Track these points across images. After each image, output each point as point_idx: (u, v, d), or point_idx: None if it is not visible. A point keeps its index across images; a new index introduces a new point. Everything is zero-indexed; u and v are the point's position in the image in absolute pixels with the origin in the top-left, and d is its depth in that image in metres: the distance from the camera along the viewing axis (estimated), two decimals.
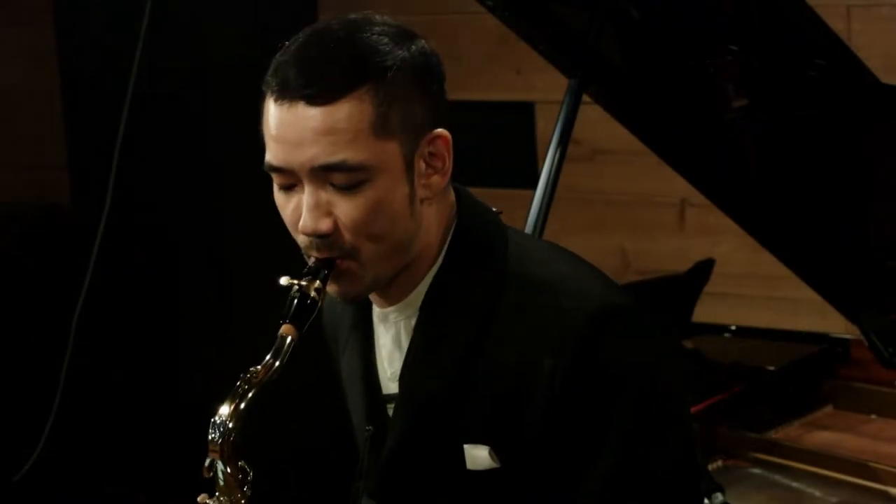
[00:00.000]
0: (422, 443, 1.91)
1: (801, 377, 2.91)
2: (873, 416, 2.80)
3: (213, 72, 4.43)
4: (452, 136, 1.87)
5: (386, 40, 1.83)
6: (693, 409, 2.63)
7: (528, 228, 2.65)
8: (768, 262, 2.96)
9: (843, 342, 2.95)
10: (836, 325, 3.02)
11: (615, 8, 2.63)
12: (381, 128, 1.80)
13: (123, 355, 4.67)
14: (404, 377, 1.91)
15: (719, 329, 3.17)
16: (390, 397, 1.96)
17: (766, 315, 3.93)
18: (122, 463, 4.67)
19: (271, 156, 1.84)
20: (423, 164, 1.85)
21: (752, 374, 2.90)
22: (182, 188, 4.49)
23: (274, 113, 1.82)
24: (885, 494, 2.49)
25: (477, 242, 1.91)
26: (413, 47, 1.85)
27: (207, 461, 1.84)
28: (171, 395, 4.59)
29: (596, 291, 1.85)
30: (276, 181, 1.87)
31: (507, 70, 4.20)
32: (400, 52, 1.83)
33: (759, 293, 4.00)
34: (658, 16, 2.62)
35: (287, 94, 1.80)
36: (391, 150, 1.81)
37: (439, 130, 1.86)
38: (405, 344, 1.93)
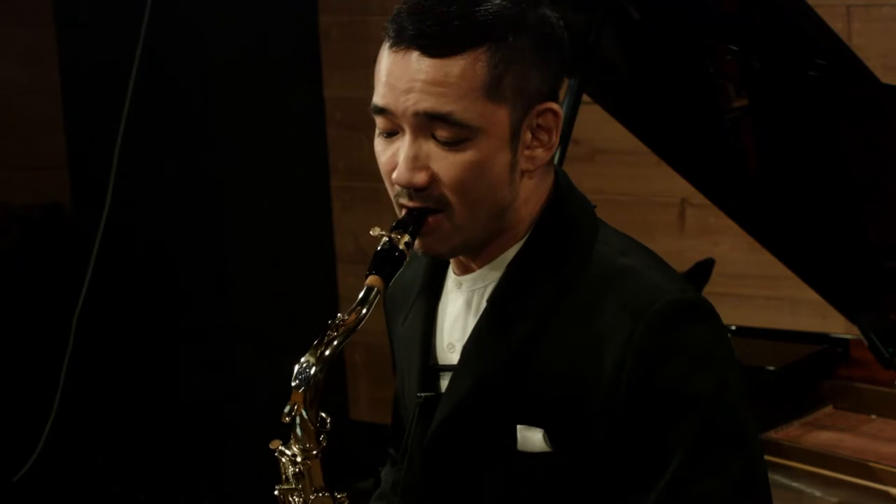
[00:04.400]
0: (474, 417, 1.87)
1: (801, 377, 2.91)
2: (873, 416, 2.79)
3: (213, 72, 4.44)
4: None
5: (510, 3, 1.80)
6: None
7: None
8: (768, 262, 2.96)
9: (843, 342, 2.94)
10: (836, 325, 3.02)
11: (615, 8, 2.63)
12: (493, 90, 1.77)
13: (123, 355, 4.68)
14: (468, 346, 1.87)
15: None
16: (445, 367, 1.92)
17: (766, 315, 3.93)
18: (122, 463, 4.67)
19: (378, 97, 1.81)
20: (529, 135, 1.82)
21: (752, 374, 2.90)
22: (182, 188, 4.50)
23: (387, 58, 1.80)
24: (885, 494, 2.49)
25: (567, 225, 1.88)
26: (538, 14, 1.82)
27: (288, 407, 1.79)
28: (171, 395, 4.59)
29: (671, 286, 1.82)
30: (379, 125, 1.83)
31: None
32: (524, 17, 1.80)
33: (759, 293, 4.00)
34: (658, 16, 2.62)
35: (402, 41, 1.78)
36: (499, 115, 1.79)
37: (551, 104, 1.83)
38: (473, 314, 1.89)
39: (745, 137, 2.77)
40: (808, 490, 2.54)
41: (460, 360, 1.89)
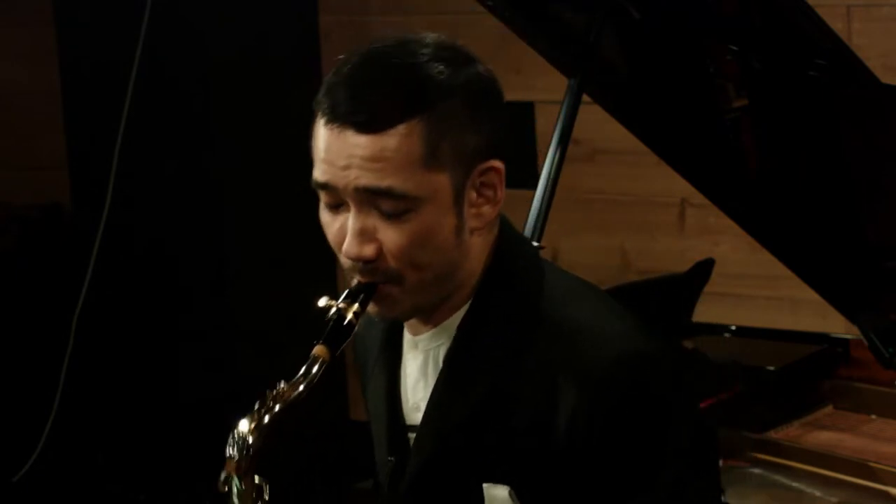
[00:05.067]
0: (441, 477, 1.88)
1: (801, 377, 2.91)
2: (873, 416, 2.79)
3: (213, 72, 4.44)
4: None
5: (441, 67, 1.79)
6: None
7: (528, 228, 2.65)
8: (768, 262, 2.96)
9: (843, 342, 2.94)
10: (836, 325, 3.02)
11: (615, 8, 2.63)
12: (431, 159, 1.77)
13: (123, 355, 4.68)
14: (428, 408, 1.89)
15: (719, 329, 3.17)
16: (412, 427, 1.93)
17: (766, 315, 3.93)
18: (122, 463, 4.67)
19: (319, 172, 1.82)
20: (473, 194, 1.83)
21: (752, 374, 2.90)
22: (182, 188, 4.50)
23: (323, 135, 1.80)
24: (886, 494, 2.49)
25: (513, 276, 1.88)
26: (469, 73, 1.82)
27: (223, 475, 1.80)
28: (171, 395, 4.59)
29: (622, 336, 1.82)
30: (323, 199, 1.84)
31: (507, 70, 4.20)
32: (455, 79, 1.80)
33: (759, 293, 4.00)
34: (658, 16, 2.62)
35: (337, 118, 1.78)
36: (440, 182, 1.79)
37: (492, 161, 1.83)
38: (431, 373, 1.90)
39: (745, 137, 2.77)
40: (808, 490, 2.54)
41: (422, 422, 1.91)
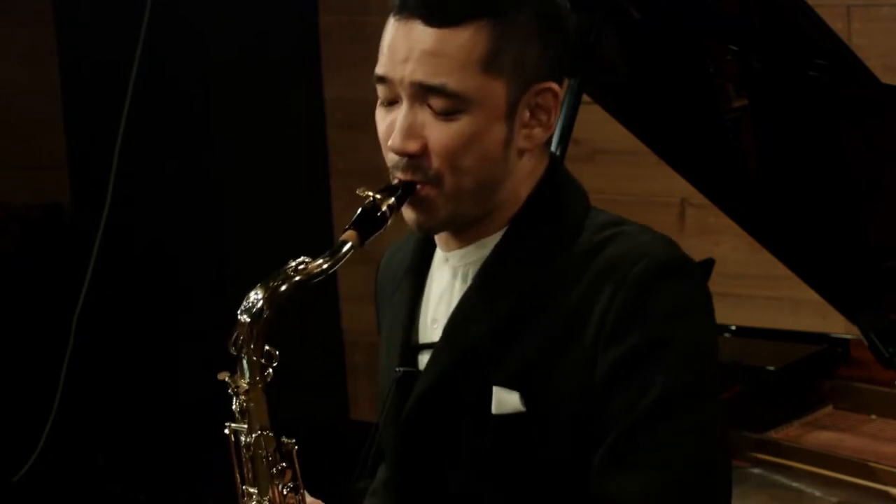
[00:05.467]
0: (452, 387, 1.87)
1: (801, 377, 2.91)
2: (873, 416, 2.79)
3: (213, 72, 4.44)
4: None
5: None
6: None
7: None
8: (768, 262, 2.96)
9: (843, 342, 2.94)
10: (836, 325, 3.02)
11: (615, 8, 2.63)
12: (490, 63, 1.78)
13: (123, 355, 4.68)
14: (453, 319, 1.88)
15: (719, 329, 3.16)
16: (425, 345, 1.92)
17: (766, 315, 3.93)
18: (122, 463, 4.67)
19: (380, 66, 1.83)
20: (527, 114, 1.83)
21: (752, 374, 2.90)
22: (182, 188, 4.50)
23: (391, 27, 1.82)
24: (885, 494, 2.49)
25: (559, 205, 1.88)
26: None
27: (234, 336, 1.82)
28: (171, 395, 4.59)
29: (658, 246, 1.85)
30: (380, 94, 1.84)
31: None
32: None
33: (759, 293, 4.00)
34: (658, 16, 2.62)
35: (405, 10, 1.80)
36: (495, 89, 1.79)
37: (550, 83, 1.83)
38: (458, 290, 1.90)
39: (745, 137, 2.77)
40: (808, 490, 2.54)
41: (443, 336, 1.89)
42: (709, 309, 1.88)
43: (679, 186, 3.03)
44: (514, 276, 1.85)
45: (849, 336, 2.92)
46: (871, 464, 2.53)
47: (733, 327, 3.15)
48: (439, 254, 1.94)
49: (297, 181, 4.58)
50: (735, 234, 3.06)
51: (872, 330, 2.73)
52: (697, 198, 3.09)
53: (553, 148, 2.70)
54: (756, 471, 2.62)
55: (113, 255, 4.58)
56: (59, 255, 4.87)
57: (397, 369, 1.93)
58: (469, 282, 1.88)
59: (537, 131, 1.85)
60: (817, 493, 2.52)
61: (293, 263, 1.80)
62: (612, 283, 1.80)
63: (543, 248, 1.86)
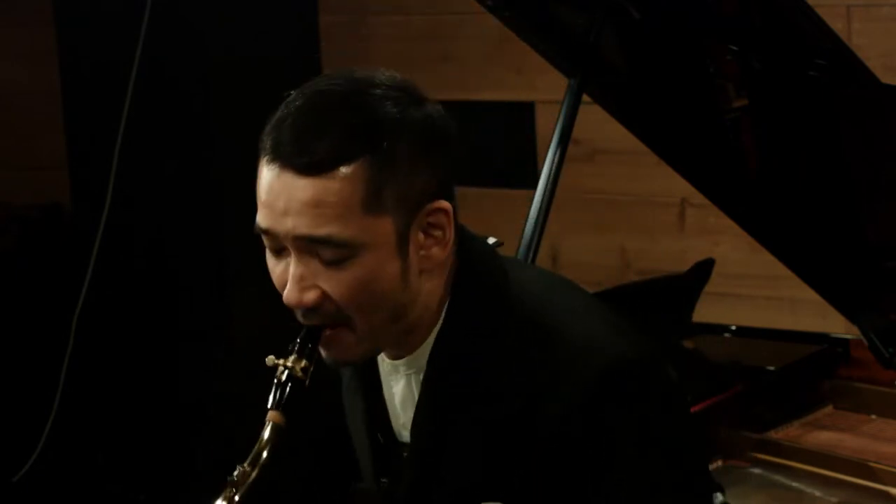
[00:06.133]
0: (436, 499, 1.87)
1: (801, 377, 2.91)
2: (873, 416, 2.79)
3: (214, 72, 4.44)
4: (454, 137, 1.81)
5: (389, 106, 1.75)
6: (693, 409, 2.62)
7: (528, 228, 2.65)
8: (768, 262, 2.96)
9: (843, 342, 2.94)
10: (836, 325, 3.02)
11: (615, 8, 2.63)
12: (372, 204, 1.73)
13: (123, 355, 4.67)
14: (414, 432, 1.87)
15: (719, 329, 3.17)
16: (406, 445, 1.91)
17: (766, 315, 3.93)
18: (122, 463, 4.67)
19: (260, 217, 1.79)
20: (421, 236, 1.78)
21: (752, 374, 2.90)
22: (182, 188, 4.50)
23: (265, 176, 1.77)
24: (886, 494, 2.49)
25: (479, 293, 1.84)
26: (418, 113, 1.77)
27: None
28: (171, 395, 4.59)
29: (601, 343, 1.79)
30: (266, 243, 1.81)
31: (507, 70, 4.20)
32: (401, 120, 1.75)
33: (759, 293, 4.00)
34: (658, 16, 2.62)
35: (278, 159, 1.75)
36: (382, 227, 1.75)
37: (439, 203, 1.78)
38: (417, 393, 1.88)
39: (745, 137, 2.77)
40: (808, 490, 2.54)
41: (410, 446, 1.89)
42: (668, 404, 1.82)
43: (679, 186, 3.03)
44: (456, 388, 1.82)
45: (849, 336, 2.92)
46: (871, 464, 2.53)
47: (733, 327, 3.16)
48: (386, 361, 1.91)
49: None
50: (735, 234, 3.06)
51: (872, 330, 2.73)
52: (697, 198, 3.09)
53: (553, 148, 2.72)
54: (756, 471, 2.62)
55: (113, 255, 4.58)
56: (59, 255, 4.87)
57: (382, 480, 1.94)
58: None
59: (435, 250, 1.80)
60: (817, 493, 2.52)
61: (231, 478, 1.75)
62: (561, 396, 1.75)
63: (475, 350, 1.81)
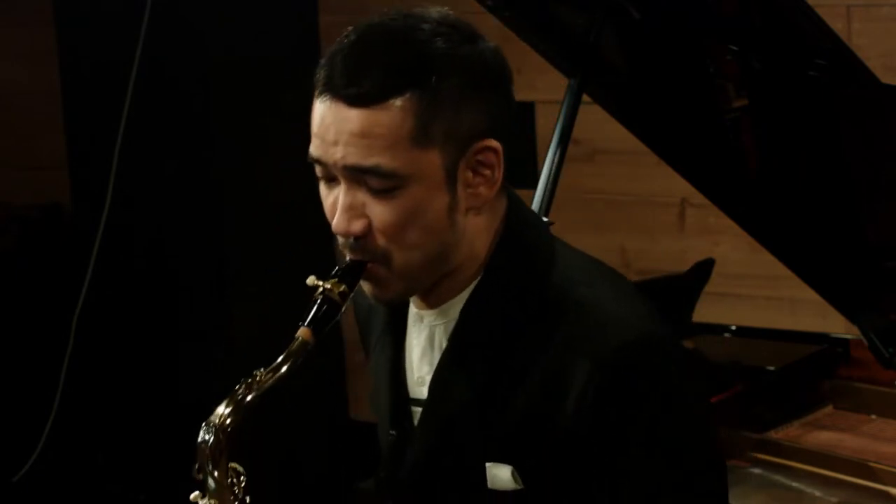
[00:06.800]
0: (445, 455, 1.87)
1: (801, 377, 2.91)
2: (873, 416, 2.79)
3: (213, 72, 4.44)
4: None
5: (439, 42, 1.77)
6: None
7: None
8: (768, 262, 2.96)
9: (843, 342, 2.94)
10: (836, 325, 3.02)
11: (615, 8, 2.63)
12: (420, 137, 1.75)
13: (123, 355, 4.68)
14: (434, 384, 1.87)
15: (719, 329, 3.17)
16: (416, 401, 1.92)
17: (766, 315, 3.93)
18: (122, 463, 4.67)
19: (312, 147, 1.81)
20: (469, 174, 1.80)
21: (752, 374, 2.90)
22: (182, 188, 4.50)
23: (317, 107, 1.80)
24: (886, 494, 2.49)
25: (522, 256, 1.86)
26: (469, 50, 1.79)
27: (196, 464, 1.79)
28: (171, 395, 4.59)
29: (634, 319, 1.80)
30: (317, 173, 1.83)
31: None
32: (451, 57, 1.77)
33: (759, 293, 4.00)
34: (658, 16, 2.62)
35: (329, 91, 1.78)
36: (430, 160, 1.77)
37: (489, 140, 1.80)
38: (437, 348, 1.89)
39: (745, 137, 2.77)
40: (808, 490, 2.54)
41: (426, 401, 1.89)
42: (688, 387, 1.83)
43: (679, 186, 3.03)
44: (485, 345, 1.84)
45: (849, 336, 2.92)
46: (871, 464, 2.53)
47: (733, 327, 3.15)
48: (413, 310, 1.93)
49: (297, 181, 4.57)
50: (735, 234, 3.06)
51: (872, 330, 2.73)
52: (697, 198, 3.09)
53: (553, 148, 2.72)
54: (756, 471, 2.62)
55: (113, 255, 4.58)
56: (59, 255, 4.87)
57: (391, 432, 1.94)
58: (445, 342, 1.88)
59: (482, 189, 1.82)
60: (817, 493, 2.52)
61: (246, 379, 1.78)
62: (587, 362, 1.77)
63: (512, 314, 1.83)
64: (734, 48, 2.55)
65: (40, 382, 4.70)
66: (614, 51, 2.78)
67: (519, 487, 1.82)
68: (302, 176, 5.33)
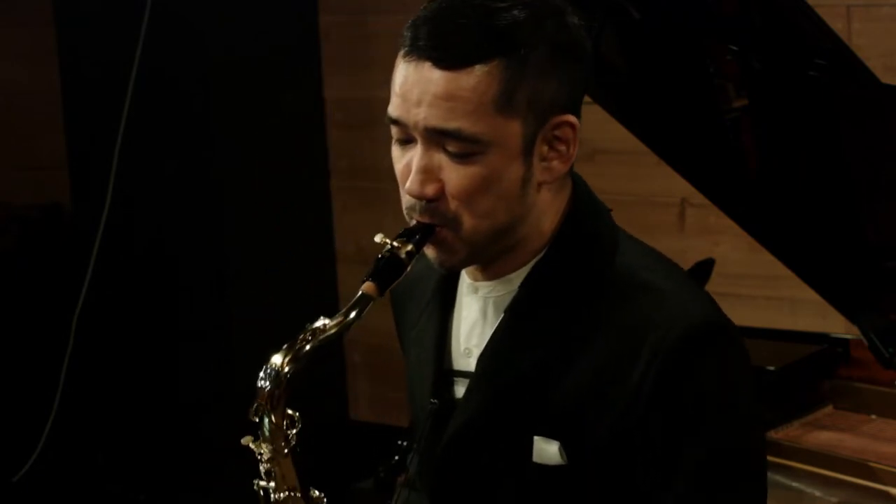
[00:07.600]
0: (491, 426, 1.86)
1: (801, 377, 2.91)
2: (873, 416, 2.79)
3: (213, 72, 4.44)
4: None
5: (527, 13, 1.77)
6: None
7: None
8: (767, 262, 2.96)
9: (843, 342, 2.94)
10: (836, 325, 3.02)
11: (615, 8, 2.63)
12: (504, 104, 1.75)
13: (123, 355, 4.68)
14: (486, 355, 1.86)
15: None
16: (460, 373, 1.91)
17: (766, 315, 3.93)
18: (122, 463, 4.67)
19: (392, 107, 1.80)
20: (545, 148, 1.80)
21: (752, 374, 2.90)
22: (182, 188, 4.50)
23: (401, 68, 1.79)
24: (886, 494, 2.49)
25: (586, 239, 1.86)
26: (556, 22, 1.79)
27: (255, 405, 1.79)
28: (171, 395, 4.59)
29: (697, 307, 1.81)
30: (394, 134, 1.82)
31: None
32: (541, 27, 1.77)
33: (759, 293, 4.00)
34: (658, 16, 2.62)
35: (415, 51, 1.77)
36: (511, 128, 1.77)
37: (567, 116, 1.80)
38: (490, 322, 1.88)
39: (745, 137, 2.77)
40: (808, 490, 2.54)
41: (477, 369, 1.88)
42: (749, 376, 1.84)
43: (679, 186, 3.03)
44: (545, 320, 1.83)
45: (849, 336, 2.92)
46: (871, 464, 2.53)
47: None
48: (466, 281, 1.92)
49: (297, 181, 4.58)
50: (735, 234, 3.06)
51: (872, 330, 2.73)
52: (697, 198, 3.09)
53: None
54: None
55: (113, 255, 4.58)
56: (59, 255, 4.87)
57: (433, 400, 1.92)
58: (500, 315, 1.87)
59: (556, 164, 1.82)
60: (817, 493, 2.52)
61: (312, 325, 1.78)
62: (650, 344, 1.77)
63: (574, 291, 1.83)
64: (734, 48, 2.56)
65: (40, 382, 4.70)
66: (614, 51, 2.78)
67: (563, 463, 1.81)
68: (302, 176, 5.36)
